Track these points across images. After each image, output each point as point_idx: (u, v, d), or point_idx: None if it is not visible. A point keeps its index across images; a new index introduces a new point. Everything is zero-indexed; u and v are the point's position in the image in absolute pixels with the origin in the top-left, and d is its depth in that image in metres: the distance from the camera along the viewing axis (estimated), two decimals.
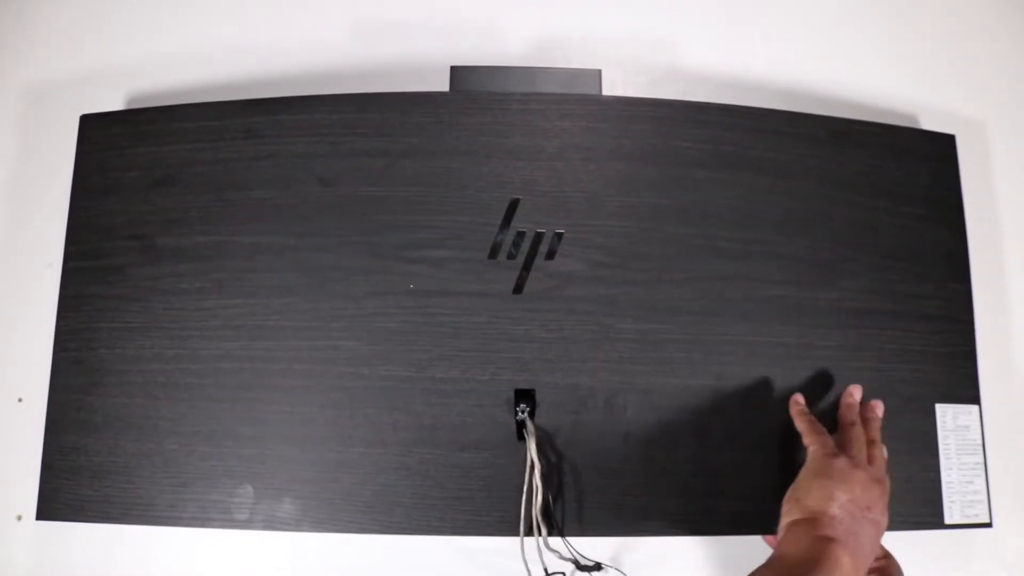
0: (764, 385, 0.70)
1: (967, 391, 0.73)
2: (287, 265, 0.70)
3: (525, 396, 0.67)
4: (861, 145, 0.77)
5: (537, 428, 0.67)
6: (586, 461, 0.67)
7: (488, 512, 0.66)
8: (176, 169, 0.73)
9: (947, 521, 0.70)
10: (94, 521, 0.69)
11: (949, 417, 0.72)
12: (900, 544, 0.66)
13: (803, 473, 0.61)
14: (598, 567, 0.65)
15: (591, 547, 0.66)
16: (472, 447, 0.67)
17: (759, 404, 0.70)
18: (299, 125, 0.73)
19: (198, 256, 0.71)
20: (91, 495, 0.68)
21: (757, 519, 0.68)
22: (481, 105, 0.73)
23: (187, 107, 0.74)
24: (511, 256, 0.70)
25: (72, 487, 0.69)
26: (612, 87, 0.82)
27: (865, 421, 0.67)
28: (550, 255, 0.70)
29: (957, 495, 0.71)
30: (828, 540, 0.54)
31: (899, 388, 0.72)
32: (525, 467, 0.64)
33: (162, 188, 0.73)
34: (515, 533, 0.64)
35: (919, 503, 0.70)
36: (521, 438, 0.66)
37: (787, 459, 0.69)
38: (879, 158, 0.77)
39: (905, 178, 0.77)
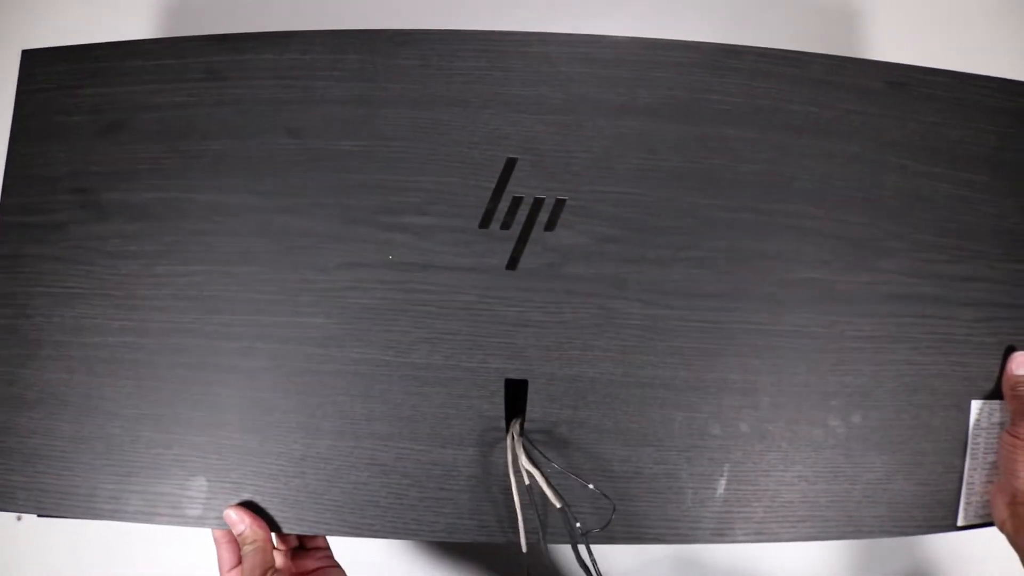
0: (783, 380, 0.62)
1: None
2: (249, 228, 0.62)
3: (516, 387, 0.59)
4: (921, 98, 0.66)
5: (527, 431, 0.59)
6: (583, 463, 0.60)
7: (472, 515, 0.58)
8: (128, 113, 0.64)
9: (960, 523, 0.63)
10: (25, 511, 0.61)
11: (984, 415, 0.64)
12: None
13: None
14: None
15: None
16: (455, 443, 0.59)
17: (776, 402, 0.62)
18: (267, 66, 0.64)
19: (149, 215, 0.62)
20: (23, 482, 0.60)
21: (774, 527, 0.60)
22: (475, 45, 0.64)
23: (144, 42, 0.65)
24: (505, 226, 0.62)
25: (2, 472, 0.61)
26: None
27: None
28: (550, 226, 0.62)
29: (976, 496, 0.64)
30: None
31: (933, 383, 0.63)
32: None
33: (111, 135, 0.63)
34: (500, 538, 0.57)
35: (937, 506, 0.63)
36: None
37: (807, 463, 0.61)
38: (940, 113, 0.66)
39: (970, 137, 0.66)
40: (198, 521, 0.59)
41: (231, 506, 0.58)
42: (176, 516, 0.59)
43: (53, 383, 0.61)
